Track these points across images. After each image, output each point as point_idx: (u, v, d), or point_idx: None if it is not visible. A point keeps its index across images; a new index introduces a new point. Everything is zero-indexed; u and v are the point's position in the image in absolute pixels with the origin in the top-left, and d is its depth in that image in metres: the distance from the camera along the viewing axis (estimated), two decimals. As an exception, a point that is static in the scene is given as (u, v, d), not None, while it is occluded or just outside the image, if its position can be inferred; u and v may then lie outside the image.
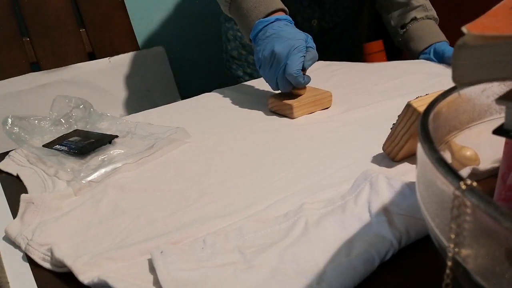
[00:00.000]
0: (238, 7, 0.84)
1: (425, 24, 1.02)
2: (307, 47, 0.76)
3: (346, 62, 1.02)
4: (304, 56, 0.75)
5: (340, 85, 0.87)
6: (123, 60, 1.39)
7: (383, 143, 0.58)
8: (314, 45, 0.78)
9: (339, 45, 1.12)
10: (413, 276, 0.40)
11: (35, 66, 1.30)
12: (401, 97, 0.73)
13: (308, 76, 0.76)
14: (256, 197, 0.52)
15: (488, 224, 0.21)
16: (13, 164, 0.66)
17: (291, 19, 0.81)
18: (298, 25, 0.93)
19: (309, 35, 0.78)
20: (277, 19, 0.79)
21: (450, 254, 0.24)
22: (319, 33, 1.10)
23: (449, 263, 0.24)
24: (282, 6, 0.82)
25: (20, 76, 1.27)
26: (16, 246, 0.48)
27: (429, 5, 1.05)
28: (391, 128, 0.56)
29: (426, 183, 0.27)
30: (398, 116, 0.55)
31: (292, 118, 0.75)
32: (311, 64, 0.77)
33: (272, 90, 0.80)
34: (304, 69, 0.75)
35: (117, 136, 0.68)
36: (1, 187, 0.62)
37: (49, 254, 0.45)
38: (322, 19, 1.09)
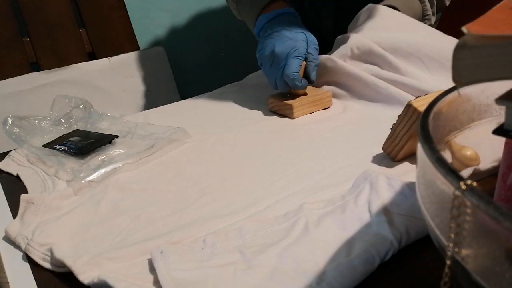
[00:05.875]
0: (243, 7, 0.84)
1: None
2: (307, 51, 0.75)
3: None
4: (302, 58, 0.74)
5: (339, 85, 0.86)
6: (123, 60, 1.38)
7: (383, 143, 0.58)
8: (317, 44, 0.77)
9: None
10: (413, 276, 0.40)
11: (35, 66, 1.30)
12: (401, 97, 0.73)
13: (306, 80, 0.76)
14: (256, 197, 0.52)
15: (488, 224, 0.21)
16: (13, 164, 0.66)
17: (294, 10, 0.80)
18: (312, 23, 0.91)
19: (311, 34, 0.77)
20: (278, 14, 0.79)
21: (449, 254, 0.24)
22: (334, 32, 1.08)
23: (448, 262, 0.24)
24: None
25: (20, 76, 1.27)
26: (16, 246, 0.48)
27: None
28: (391, 128, 0.56)
29: (426, 183, 0.27)
30: (398, 116, 0.55)
31: (292, 118, 0.75)
32: (315, 75, 0.76)
33: (272, 90, 0.80)
34: (311, 82, 0.76)
35: (117, 136, 0.68)
36: (1, 187, 0.62)
37: (49, 254, 0.45)
38: (339, 19, 1.07)
